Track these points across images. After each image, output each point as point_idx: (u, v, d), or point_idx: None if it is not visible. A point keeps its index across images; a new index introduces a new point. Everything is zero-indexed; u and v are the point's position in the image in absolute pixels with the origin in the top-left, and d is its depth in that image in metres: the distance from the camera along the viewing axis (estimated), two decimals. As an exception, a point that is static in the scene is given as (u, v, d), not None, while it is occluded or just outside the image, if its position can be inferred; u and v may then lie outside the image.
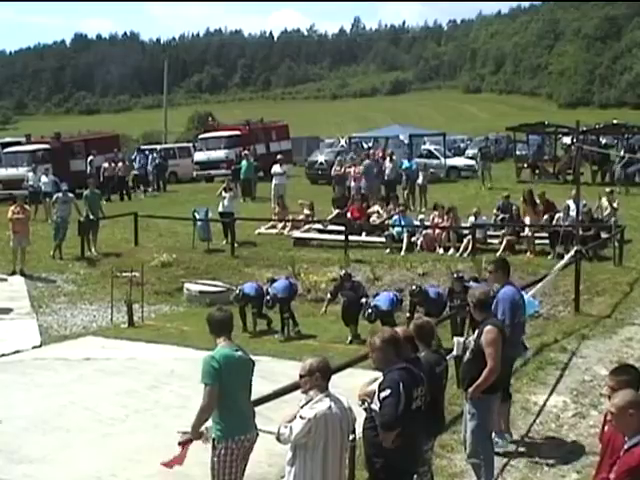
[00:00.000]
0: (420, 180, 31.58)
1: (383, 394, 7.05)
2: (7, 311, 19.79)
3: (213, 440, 7.57)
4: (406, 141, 43.61)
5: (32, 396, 13.69)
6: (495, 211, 24.30)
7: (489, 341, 9.06)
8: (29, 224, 23.89)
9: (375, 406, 7.17)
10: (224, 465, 7.57)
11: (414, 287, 17.44)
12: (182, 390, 13.38)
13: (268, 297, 18.27)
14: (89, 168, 38.81)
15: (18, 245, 22.87)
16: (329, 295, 18.81)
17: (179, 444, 7.62)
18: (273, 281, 19.02)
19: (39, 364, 15.91)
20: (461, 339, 10.29)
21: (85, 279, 22.56)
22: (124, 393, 13.75)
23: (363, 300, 17.57)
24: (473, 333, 9.80)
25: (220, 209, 25.86)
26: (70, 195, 25.48)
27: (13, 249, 22.99)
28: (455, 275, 17.41)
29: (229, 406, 7.51)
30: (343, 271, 19.27)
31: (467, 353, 9.38)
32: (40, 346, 17.31)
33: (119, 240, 26.08)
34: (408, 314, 17.14)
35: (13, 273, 22.66)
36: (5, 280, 22.10)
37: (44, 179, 32.65)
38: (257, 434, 7.54)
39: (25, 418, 12.45)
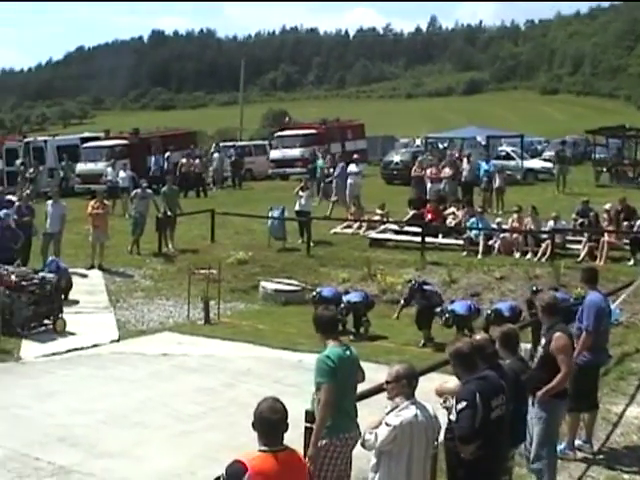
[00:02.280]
0: (497, 182, 31.26)
1: (459, 406, 6.98)
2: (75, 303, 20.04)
3: None
4: (483, 142, 43.21)
5: (110, 390, 13.84)
6: (574, 216, 23.94)
7: (560, 347, 8.94)
8: (108, 219, 24.19)
9: (453, 417, 7.11)
10: (328, 462, 7.60)
11: (489, 312, 17.02)
12: (259, 389, 13.36)
13: (342, 305, 18.09)
14: (166, 164, 39.27)
15: (97, 240, 23.16)
16: (402, 301, 18.68)
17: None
18: (347, 293, 18.97)
19: (117, 358, 16.10)
20: (528, 346, 10.15)
21: (162, 275, 22.77)
22: (201, 390, 13.83)
23: (438, 309, 17.40)
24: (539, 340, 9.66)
25: (297, 208, 25.91)
26: (148, 191, 25.76)
27: (92, 244, 23.30)
28: (534, 289, 17.09)
29: (337, 404, 7.53)
30: (413, 281, 18.98)
31: (535, 360, 9.27)
32: (118, 340, 17.51)
33: (196, 237, 26.29)
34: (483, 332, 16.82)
35: (91, 267, 22.95)
36: (85, 276, 22.38)
37: (122, 174, 33.08)
38: (359, 433, 7.49)
39: (104, 412, 12.58)
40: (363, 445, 7.03)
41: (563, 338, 9.00)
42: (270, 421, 5.59)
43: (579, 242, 22.48)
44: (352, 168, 32.34)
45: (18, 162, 40.17)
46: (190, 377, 14.60)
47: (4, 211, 21.18)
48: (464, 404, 6.93)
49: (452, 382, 7.66)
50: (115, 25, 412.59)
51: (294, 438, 6.89)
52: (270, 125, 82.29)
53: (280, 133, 49.18)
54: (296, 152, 44.01)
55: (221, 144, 50.15)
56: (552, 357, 8.96)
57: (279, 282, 21.56)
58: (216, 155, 43.59)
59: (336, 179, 32.25)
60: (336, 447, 7.58)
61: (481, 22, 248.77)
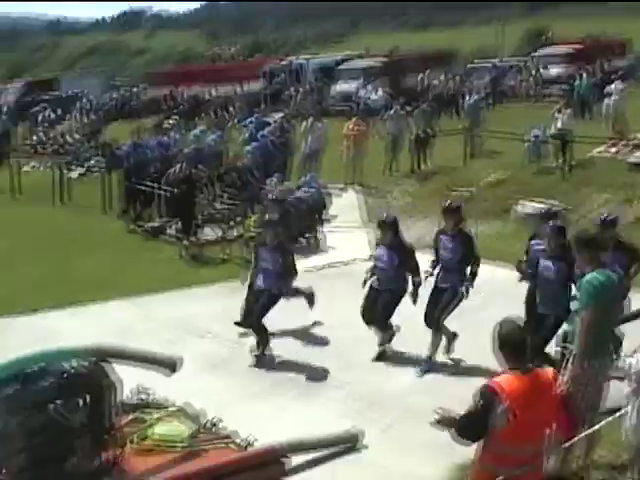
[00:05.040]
0: None
1: None
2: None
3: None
4: None
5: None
6: None
7: None
8: (364, 139, 24.50)
9: None
10: (577, 388, 7.41)
11: None
12: (509, 310, 13.24)
13: None
14: (422, 84, 39.20)
15: (353, 159, 23.59)
16: None
17: None
18: None
19: (371, 275, 16.36)
20: None
21: (417, 194, 22.88)
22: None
23: None
24: None
25: (554, 129, 25.22)
26: (403, 111, 25.82)
27: (348, 162, 23.74)
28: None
29: (596, 329, 7.41)
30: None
31: None
32: (370, 259, 17.81)
33: (451, 157, 26.16)
34: None
35: (347, 185, 23.43)
36: (342, 195, 22.87)
37: (376, 95, 33.31)
38: (612, 360, 7.34)
39: (359, 326, 12.87)
40: (619, 371, 6.86)
41: None
42: (516, 341, 5.59)
43: None
44: (614, 86, 30.99)
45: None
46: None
47: (264, 131, 21.93)
48: None
49: None
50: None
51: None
52: (529, 44, 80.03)
53: (538, 52, 47.81)
54: (557, 71, 42.64)
55: (477, 63, 49.37)
56: None
57: (536, 204, 21.13)
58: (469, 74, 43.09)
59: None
60: (588, 372, 7.42)
61: None
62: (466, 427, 5.68)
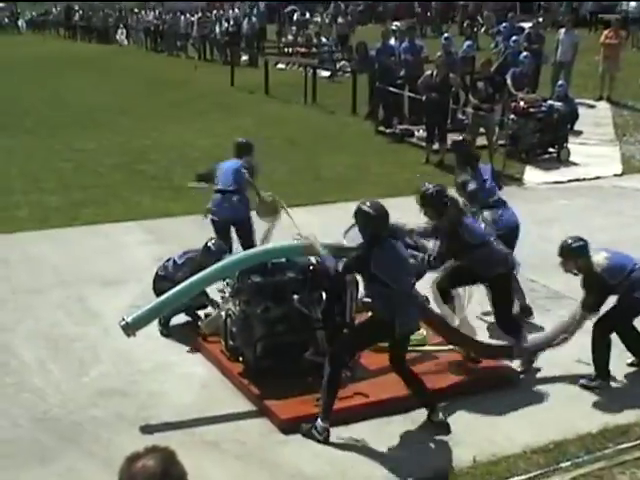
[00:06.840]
0: None
1: None
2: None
3: None
4: None
5: (609, 223, 13.68)
6: None
7: None
8: (620, 50, 23.48)
9: None
10: None
11: None
12: None
13: None
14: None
15: (607, 71, 22.76)
16: None
17: None
18: None
19: (618, 192, 15.91)
20: None
21: (672, 113, 21.76)
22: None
23: None
24: None
25: None
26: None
27: (601, 75, 22.91)
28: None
29: None
30: None
31: None
32: (621, 175, 17.24)
33: None
34: None
35: (600, 99, 22.64)
36: (593, 107, 22.14)
37: (636, 3, 31.78)
38: None
39: (603, 244, 12.48)
40: None
41: None
42: None
43: None
44: None
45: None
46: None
47: (514, 38, 21.53)
48: None
49: None
50: None
51: None
52: None
53: None
54: None
55: None
56: None
57: None
58: None
59: None
60: None
61: None
62: None
